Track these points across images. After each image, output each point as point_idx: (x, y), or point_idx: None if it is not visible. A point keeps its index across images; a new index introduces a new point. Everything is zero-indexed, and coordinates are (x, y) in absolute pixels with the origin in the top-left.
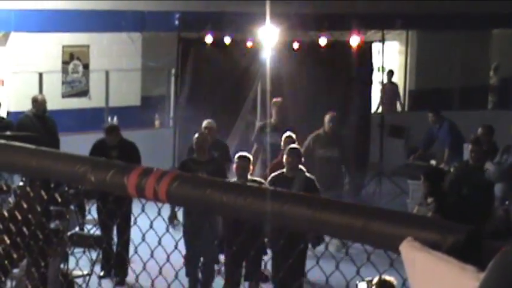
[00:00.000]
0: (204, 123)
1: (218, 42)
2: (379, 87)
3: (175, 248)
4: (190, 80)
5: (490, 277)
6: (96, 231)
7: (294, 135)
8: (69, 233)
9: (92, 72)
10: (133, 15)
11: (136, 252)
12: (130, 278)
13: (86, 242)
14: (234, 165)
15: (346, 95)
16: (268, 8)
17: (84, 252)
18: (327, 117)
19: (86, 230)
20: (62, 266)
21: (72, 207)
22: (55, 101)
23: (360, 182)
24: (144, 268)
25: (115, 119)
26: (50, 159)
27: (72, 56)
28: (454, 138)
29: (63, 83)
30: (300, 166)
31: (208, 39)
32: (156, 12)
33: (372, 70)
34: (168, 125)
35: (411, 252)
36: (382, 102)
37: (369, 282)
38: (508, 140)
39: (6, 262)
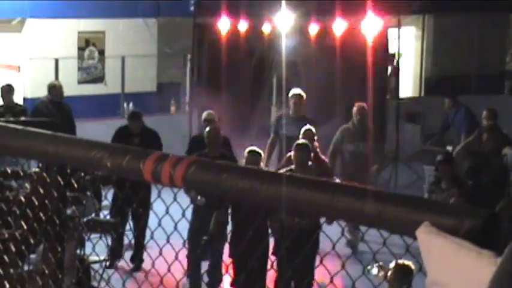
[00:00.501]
0: (204, 114)
1: (233, 28)
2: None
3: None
4: (206, 65)
5: (507, 262)
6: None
7: (313, 129)
8: (85, 219)
9: (107, 58)
10: (148, 1)
11: (152, 238)
12: (145, 264)
13: (103, 227)
14: (244, 160)
15: (362, 81)
16: None
17: (100, 238)
18: (355, 109)
19: (102, 216)
20: (78, 251)
21: (88, 193)
22: (71, 87)
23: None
24: (160, 254)
25: (131, 105)
26: (66, 145)
27: (87, 42)
28: (470, 123)
29: (79, 69)
30: (310, 163)
31: (224, 24)
32: None
33: (388, 56)
34: (184, 111)
35: (428, 238)
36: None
37: (380, 267)
38: None
39: (23, 247)
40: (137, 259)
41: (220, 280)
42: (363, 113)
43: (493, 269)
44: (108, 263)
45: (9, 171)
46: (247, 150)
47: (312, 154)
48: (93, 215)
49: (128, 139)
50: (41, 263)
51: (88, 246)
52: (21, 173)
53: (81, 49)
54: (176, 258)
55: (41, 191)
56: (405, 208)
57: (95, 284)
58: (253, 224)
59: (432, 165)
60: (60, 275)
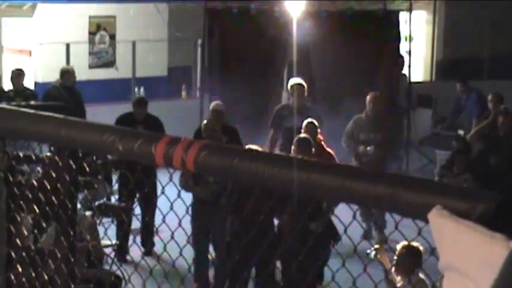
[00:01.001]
0: (212, 105)
1: (244, 12)
2: (406, 57)
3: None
4: (217, 50)
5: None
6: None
7: (315, 122)
8: (97, 203)
9: (118, 43)
10: None
11: (164, 221)
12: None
13: (114, 212)
14: None
15: (373, 66)
16: None
17: (112, 222)
18: (368, 98)
19: (113, 200)
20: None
21: (99, 177)
22: (82, 72)
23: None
24: (172, 237)
25: (142, 90)
26: (78, 129)
27: (98, 27)
28: (481, 108)
29: (90, 53)
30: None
31: (235, 8)
32: None
33: (399, 40)
34: (195, 96)
35: (440, 221)
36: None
37: (377, 249)
38: None
39: (35, 231)
40: (148, 243)
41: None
42: (377, 101)
43: (505, 253)
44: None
45: (21, 155)
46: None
47: (314, 149)
48: (104, 199)
49: (131, 127)
50: (52, 245)
51: (100, 230)
52: (33, 157)
53: (92, 34)
54: (188, 242)
55: (53, 174)
56: (417, 191)
57: (106, 267)
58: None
59: (444, 149)
60: (72, 258)
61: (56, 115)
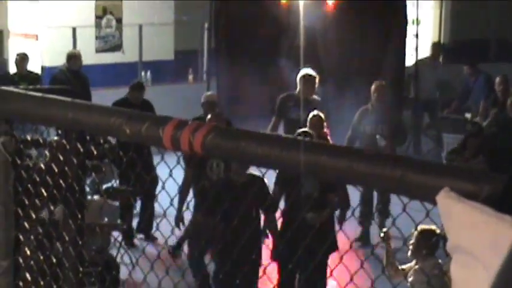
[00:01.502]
0: (203, 97)
1: None
2: (414, 40)
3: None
4: (224, 33)
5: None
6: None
7: (322, 114)
8: (104, 186)
9: (125, 26)
10: None
11: (172, 204)
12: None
13: (122, 195)
14: None
15: (380, 49)
16: None
17: (120, 205)
18: (373, 88)
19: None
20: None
21: (106, 160)
22: (88, 56)
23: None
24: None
25: (148, 73)
26: (85, 112)
27: (105, 11)
28: (489, 91)
29: (96, 37)
30: None
31: None
32: None
33: (406, 23)
34: (202, 80)
35: (448, 203)
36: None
37: (386, 233)
38: None
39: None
40: (147, 227)
41: None
42: (382, 91)
43: None
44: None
45: (28, 138)
46: None
47: None
48: (112, 182)
49: None
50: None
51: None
52: (41, 141)
53: (98, 17)
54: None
55: (61, 158)
56: (425, 173)
57: (114, 251)
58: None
59: (451, 132)
60: (80, 241)
61: (63, 98)
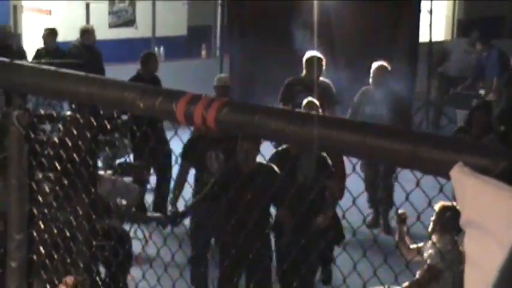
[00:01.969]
0: (216, 80)
1: None
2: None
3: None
4: (237, 9)
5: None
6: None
7: (317, 102)
8: (117, 162)
9: (138, 1)
10: None
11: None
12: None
13: (136, 170)
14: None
15: (394, 24)
16: None
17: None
18: (373, 68)
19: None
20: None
21: (117, 135)
22: (102, 31)
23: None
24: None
25: (161, 49)
26: (99, 86)
27: None
28: (502, 66)
29: (109, 13)
30: None
31: None
32: None
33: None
34: (215, 55)
35: (461, 178)
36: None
37: (400, 214)
38: None
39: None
40: (161, 202)
41: None
42: (383, 72)
43: None
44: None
45: (42, 112)
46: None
47: None
48: (126, 158)
49: None
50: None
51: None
52: (54, 115)
53: None
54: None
55: (74, 132)
56: (439, 148)
57: (126, 227)
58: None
59: (464, 109)
60: (94, 215)
61: (77, 72)
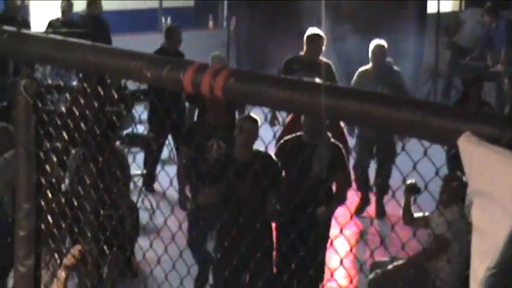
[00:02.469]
0: (210, 58)
1: None
2: None
3: None
4: None
5: None
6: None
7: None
8: (125, 132)
9: None
10: None
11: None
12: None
13: (143, 141)
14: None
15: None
16: None
17: (141, 150)
18: (371, 48)
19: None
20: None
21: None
22: (109, 2)
23: None
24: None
25: (168, 19)
26: (106, 55)
27: None
28: (511, 37)
29: None
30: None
31: None
32: None
33: None
34: (222, 26)
35: (469, 147)
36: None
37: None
38: None
39: (64, 157)
40: None
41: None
42: (381, 52)
43: None
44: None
45: (49, 81)
46: (239, 118)
47: None
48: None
49: None
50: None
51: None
52: (62, 85)
53: None
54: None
55: (81, 101)
56: (447, 117)
57: (134, 197)
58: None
59: None
60: (101, 184)
61: (84, 42)
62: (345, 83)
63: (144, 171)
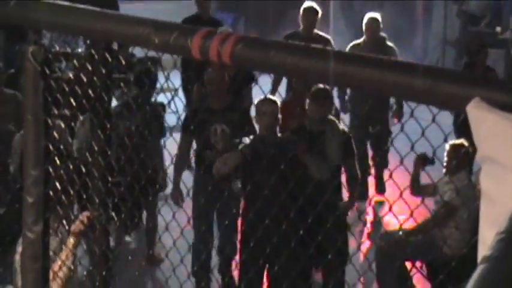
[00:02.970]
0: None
1: None
2: None
3: None
4: None
5: None
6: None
7: None
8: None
9: None
10: None
11: None
12: None
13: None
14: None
15: None
16: None
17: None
18: (364, 21)
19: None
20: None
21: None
22: None
23: None
24: None
25: None
26: (113, 22)
27: None
28: None
29: None
30: (331, 116)
31: None
32: None
33: None
34: None
35: (478, 113)
36: None
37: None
38: None
39: (72, 124)
40: None
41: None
42: (375, 26)
43: None
44: None
45: (57, 48)
46: (258, 101)
47: None
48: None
49: None
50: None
51: None
52: (69, 52)
53: None
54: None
55: (89, 67)
56: (456, 83)
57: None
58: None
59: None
60: (109, 151)
61: (91, 8)
62: None
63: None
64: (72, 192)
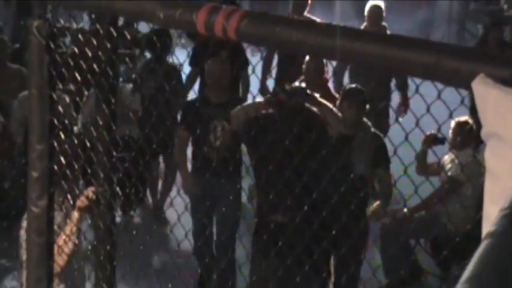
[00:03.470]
0: None
1: None
2: None
3: None
4: None
5: None
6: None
7: None
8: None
9: None
10: None
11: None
12: None
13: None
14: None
15: None
16: None
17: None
18: (366, 9)
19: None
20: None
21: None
22: None
23: None
24: None
25: None
26: None
27: None
28: None
29: None
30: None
31: None
32: None
33: None
34: None
35: (483, 89)
36: None
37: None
38: None
39: (78, 99)
40: None
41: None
42: (377, 13)
43: None
44: None
45: (62, 22)
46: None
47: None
48: None
49: None
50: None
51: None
52: (75, 27)
53: None
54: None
55: (94, 42)
56: (461, 59)
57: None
58: None
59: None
60: (113, 126)
61: None
62: None
63: None
64: (77, 167)
